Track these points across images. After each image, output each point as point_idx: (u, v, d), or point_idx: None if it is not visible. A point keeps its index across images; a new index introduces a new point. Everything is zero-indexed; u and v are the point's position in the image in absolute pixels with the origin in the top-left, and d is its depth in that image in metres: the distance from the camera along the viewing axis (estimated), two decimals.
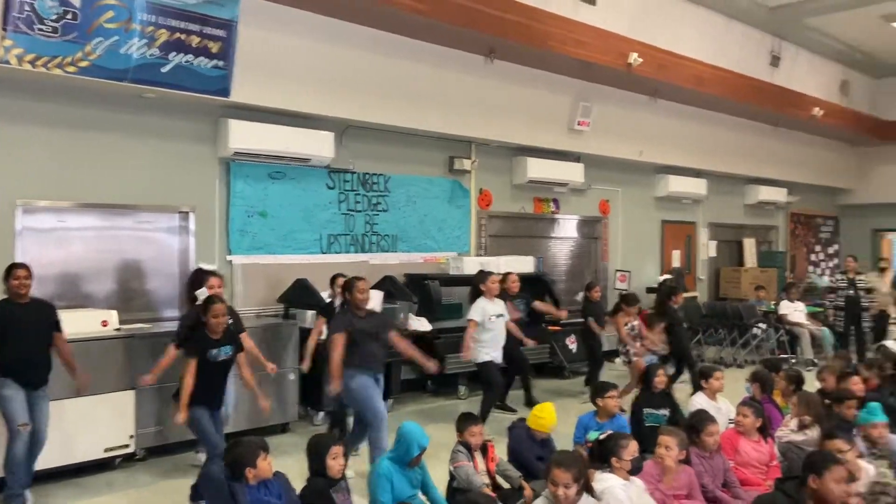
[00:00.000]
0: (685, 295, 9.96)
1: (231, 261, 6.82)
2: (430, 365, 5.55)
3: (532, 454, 4.66)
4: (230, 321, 4.85)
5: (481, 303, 6.64)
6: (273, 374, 5.59)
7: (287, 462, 4.51)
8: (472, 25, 7.00)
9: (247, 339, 5.24)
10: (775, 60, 10.66)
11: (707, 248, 12.00)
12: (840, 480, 3.29)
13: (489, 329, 6.58)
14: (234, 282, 6.77)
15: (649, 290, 9.89)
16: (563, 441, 4.94)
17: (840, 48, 11.56)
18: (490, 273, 6.90)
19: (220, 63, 5.93)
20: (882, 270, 10.79)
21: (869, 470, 4.05)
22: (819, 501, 3.33)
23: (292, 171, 7.26)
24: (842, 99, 12.29)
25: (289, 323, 6.66)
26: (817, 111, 11.47)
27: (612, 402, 5.11)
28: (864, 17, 10.08)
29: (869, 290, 10.00)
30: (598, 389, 5.27)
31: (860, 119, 12.94)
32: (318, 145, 7.07)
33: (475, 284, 6.88)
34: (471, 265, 8.16)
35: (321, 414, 6.65)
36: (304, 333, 6.40)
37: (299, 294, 6.79)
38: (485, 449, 4.46)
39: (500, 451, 4.66)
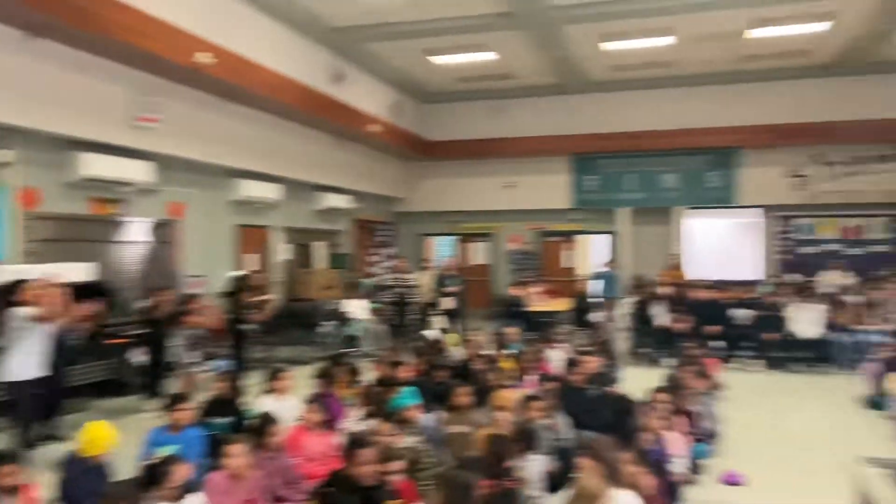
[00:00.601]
0: (262, 298, 10.13)
1: None
2: None
3: (85, 487, 4.15)
4: None
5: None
6: None
7: None
8: None
9: None
10: (339, 77, 11.56)
11: (281, 251, 12.40)
12: (367, 462, 3.69)
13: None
14: None
15: (224, 294, 9.76)
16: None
17: (393, 73, 13.13)
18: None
19: None
20: (424, 269, 12.71)
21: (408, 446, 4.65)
22: (355, 481, 3.69)
23: None
24: (395, 119, 13.99)
25: None
26: (374, 128, 12.85)
27: (183, 415, 4.91)
28: (410, 49, 11.63)
29: (414, 287, 11.61)
30: (170, 401, 5.03)
31: (410, 138, 14.91)
32: None
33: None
34: (9, 274, 6.91)
35: None
36: None
37: None
38: (25, 490, 3.83)
39: None
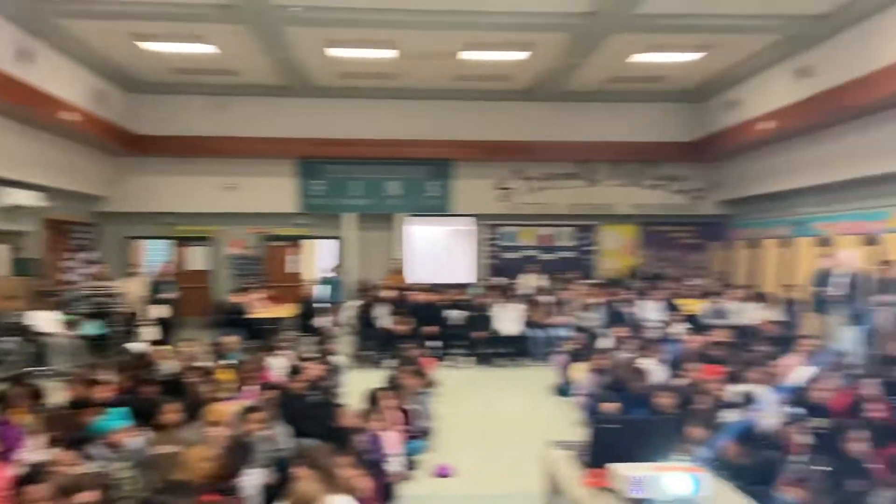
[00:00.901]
0: None
1: None
2: None
3: None
4: None
5: None
6: None
7: None
8: None
9: None
10: (25, 55, 9.97)
11: None
12: (39, 498, 3.23)
13: None
14: None
15: None
16: None
17: (95, 57, 11.70)
18: None
19: None
20: (131, 275, 11.52)
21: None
22: None
23: None
24: (97, 108, 12.48)
25: None
26: (70, 116, 11.32)
27: None
28: (115, 31, 10.45)
29: (118, 296, 10.45)
30: None
31: (114, 130, 13.41)
32: None
33: None
34: None
35: None
36: None
37: None
38: None
39: None
